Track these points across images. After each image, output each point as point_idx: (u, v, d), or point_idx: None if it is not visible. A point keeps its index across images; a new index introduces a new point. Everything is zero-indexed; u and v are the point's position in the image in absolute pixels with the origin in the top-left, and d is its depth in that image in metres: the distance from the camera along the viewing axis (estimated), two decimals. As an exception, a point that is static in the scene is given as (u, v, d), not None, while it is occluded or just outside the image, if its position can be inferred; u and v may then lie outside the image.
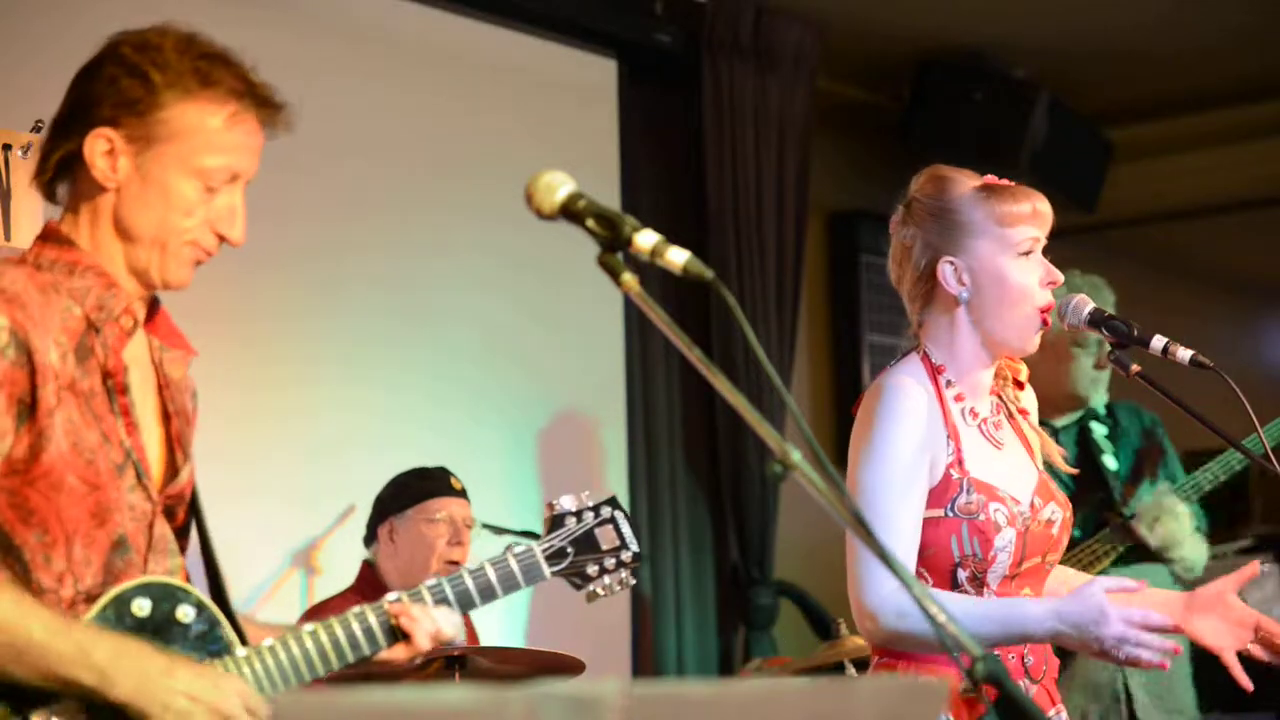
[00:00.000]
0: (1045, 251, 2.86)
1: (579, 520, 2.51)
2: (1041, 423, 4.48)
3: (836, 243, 6.67)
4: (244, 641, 2.26)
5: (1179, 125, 7.23)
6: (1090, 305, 3.04)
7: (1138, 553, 4.44)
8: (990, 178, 2.86)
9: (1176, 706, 4.45)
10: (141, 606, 2.19)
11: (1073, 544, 4.32)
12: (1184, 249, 8.35)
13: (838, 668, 4.14)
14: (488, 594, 2.39)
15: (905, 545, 2.69)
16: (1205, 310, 8.57)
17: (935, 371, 2.82)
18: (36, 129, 3.97)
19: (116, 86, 2.25)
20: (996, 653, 2.61)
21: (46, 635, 2.08)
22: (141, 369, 2.29)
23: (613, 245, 2.09)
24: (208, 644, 2.22)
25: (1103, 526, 4.36)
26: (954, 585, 2.74)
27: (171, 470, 2.30)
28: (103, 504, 2.18)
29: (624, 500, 5.57)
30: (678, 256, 2.04)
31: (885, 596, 2.64)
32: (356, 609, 2.32)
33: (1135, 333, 3.01)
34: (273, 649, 2.24)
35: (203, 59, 2.27)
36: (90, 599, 2.18)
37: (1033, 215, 2.81)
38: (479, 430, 5.03)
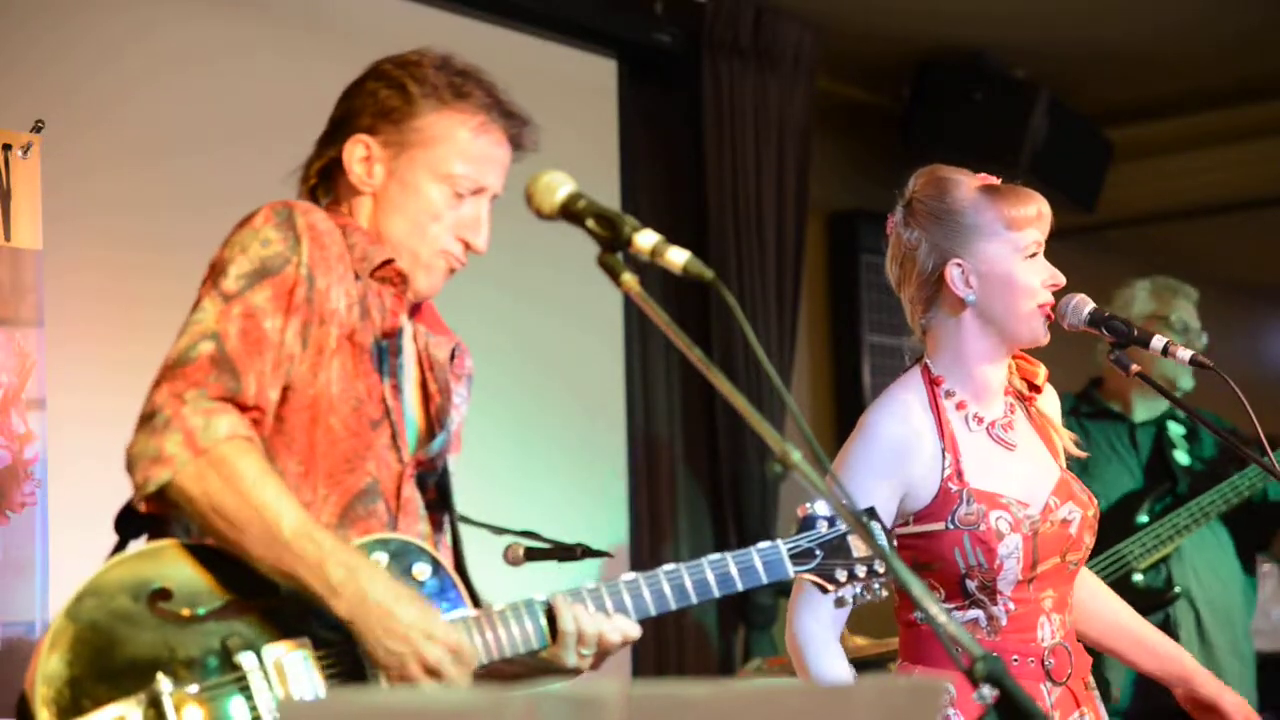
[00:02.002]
0: (1045, 252, 2.86)
1: (831, 526, 2.47)
2: (1121, 417, 4.53)
3: (836, 243, 6.67)
4: (477, 604, 2.31)
5: (1179, 125, 7.23)
6: (1090, 305, 3.05)
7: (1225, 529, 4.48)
8: (984, 176, 2.86)
9: None
10: (379, 560, 2.25)
11: (1138, 528, 4.36)
12: (1184, 249, 8.34)
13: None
14: (726, 584, 2.37)
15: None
16: (1205, 310, 8.56)
17: (934, 384, 2.82)
18: (37, 129, 3.97)
19: (376, 98, 2.41)
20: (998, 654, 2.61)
21: (294, 533, 2.15)
22: (408, 347, 2.44)
23: (613, 245, 2.10)
24: (440, 602, 2.28)
25: (1169, 512, 4.39)
26: (964, 595, 2.75)
27: (428, 440, 2.42)
28: (357, 451, 2.30)
29: (624, 500, 5.63)
30: (678, 256, 2.05)
31: (814, 632, 2.73)
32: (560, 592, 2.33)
33: (1135, 333, 3.01)
34: (503, 614, 2.28)
35: (458, 75, 2.43)
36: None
37: (1038, 218, 2.82)
38: (477, 429, 5.02)
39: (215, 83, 4.38)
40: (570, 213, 2.15)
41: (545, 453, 5.26)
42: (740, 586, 2.37)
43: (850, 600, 2.48)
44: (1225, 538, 4.52)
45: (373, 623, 2.15)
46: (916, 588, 1.88)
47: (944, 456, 2.77)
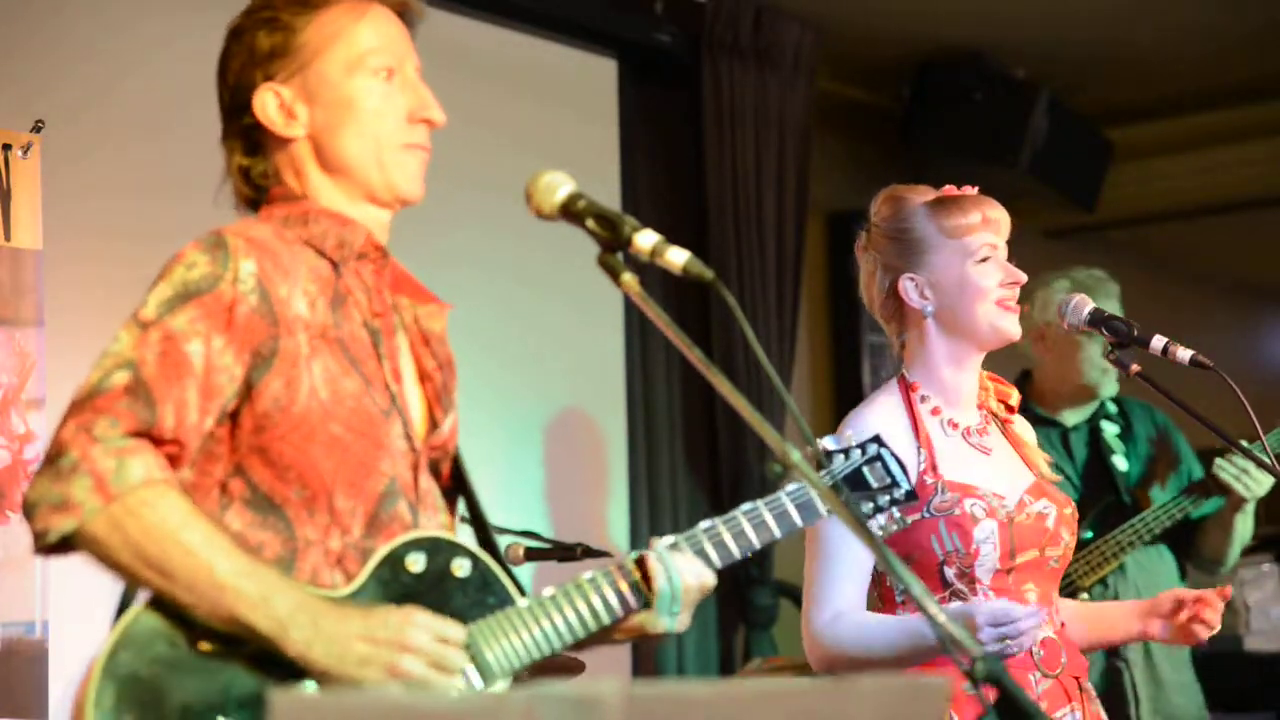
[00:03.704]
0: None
1: (846, 458, 2.37)
2: (1052, 422, 4.50)
3: (836, 243, 6.66)
4: (522, 593, 2.19)
5: (1179, 125, 7.23)
6: (1090, 305, 3.06)
7: (1162, 544, 4.42)
8: (949, 189, 2.91)
9: (1170, 711, 4.41)
10: (416, 562, 2.13)
11: (1082, 544, 4.31)
12: (1184, 249, 8.34)
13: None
14: (764, 533, 2.26)
15: (855, 581, 2.80)
16: (1205, 310, 8.57)
17: (910, 389, 2.89)
18: (37, 129, 3.98)
19: (251, 49, 2.25)
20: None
21: (231, 575, 2.00)
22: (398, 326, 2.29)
23: (613, 245, 2.10)
24: (486, 596, 2.16)
25: (1113, 527, 4.34)
26: (944, 585, 2.79)
27: (432, 424, 2.27)
28: (368, 452, 2.14)
29: (624, 500, 5.63)
30: (678, 256, 2.05)
31: (825, 623, 2.78)
32: (615, 562, 2.22)
33: (1135, 333, 3.03)
34: (554, 599, 2.17)
35: None
36: (359, 552, 2.13)
37: (984, 223, 2.87)
38: (479, 431, 5.02)
39: (211, 75, 4.37)
40: (570, 213, 2.14)
41: (545, 451, 5.26)
42: (779, 534, 2.26)
43: (879, 532, 2.39)
44: (1164, 549, 4.48)
45: (329, 647, 2.01)
46: (917, 588, 1.88)
47: (919, 453, 2.82)
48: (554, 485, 5.27)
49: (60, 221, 4.04)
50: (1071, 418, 4.52)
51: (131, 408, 2.03)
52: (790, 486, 2.30)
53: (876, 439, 2.41)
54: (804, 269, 5.96)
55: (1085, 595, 4.32)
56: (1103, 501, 4.39)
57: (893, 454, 2.41)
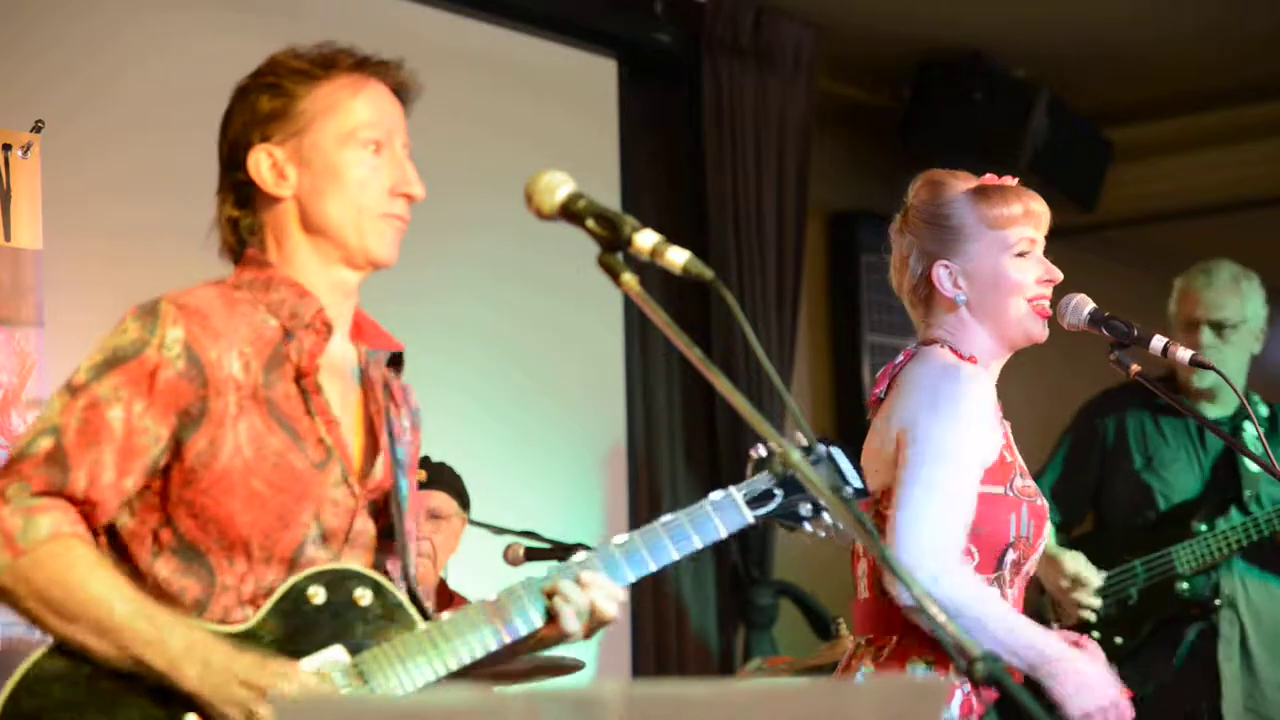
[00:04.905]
0: (1044, 251, 2.86)
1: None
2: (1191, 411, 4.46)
3: (836, 243, 6.67)
4: (426, 617, 2.28)
5: (1179, 125, 7.23)
6: (1090, 305, 3.05)
7: (1262, 556, 4.38)
8: (989, 178, 2.87)
9: (1267, 713, 4.35)
10: (316, 594, 2.24)
11: (1194, 534, 4.29)
12: (1184, 249, 8.33)
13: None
14: (683, 544, 2.32)
15: (964, 521, 2.69)
16: (1205, 310, 8.54)
17: (971, 361, 2.82)
18: (37, 129, 3.98)
19: (254, 109, 2.37)
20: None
21: (128, 616, 2.15)
22: (343, 376, 2.38)
23: (613, 245, 2.10)
24: (387, 624, 2.26)
25: (1228, 521, 4.31)
26: (997, 568, 2.74)
27: (369, 467, 2.36)
28: (288, 506, 2.25)
29: (623, 500, 5.63)
30: (678, 256, 2.05)
31: (955, 565, 2.66)
32: (521, 583, 2.28)
33: (1135, 333, 3.01)
34: (454, 622, 2.26)
35: (312, 50, 2.40)
36: (269, 594, 2.25)
37: (1025, 215, 2.82)
38: (478, 432, 5.03)
39: (209, 74, 4.37)
40: (570, 213, 2.14)
41: (546, 452, 5.26)
42: (700, 543, 2.31)
43: (824, 534, 2.39)
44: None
45: (216, 684, 2.14)
46: (917, 588, 1.88)
47: (1000, 424, 2.79)
48: (553, 484, 5.26)
49: (60, 221, 4.04)
50: (1212, 410, 4.44)
51: (46, 472, 2.19)
52: (714, 495, 2.35)
53: (826, 438, 2.41)
54: (804, 269, 5.96)
55: (1185, 585, 4.30)
56: (1218, 500, 4.35)
57: (845, 453, 2.40)
